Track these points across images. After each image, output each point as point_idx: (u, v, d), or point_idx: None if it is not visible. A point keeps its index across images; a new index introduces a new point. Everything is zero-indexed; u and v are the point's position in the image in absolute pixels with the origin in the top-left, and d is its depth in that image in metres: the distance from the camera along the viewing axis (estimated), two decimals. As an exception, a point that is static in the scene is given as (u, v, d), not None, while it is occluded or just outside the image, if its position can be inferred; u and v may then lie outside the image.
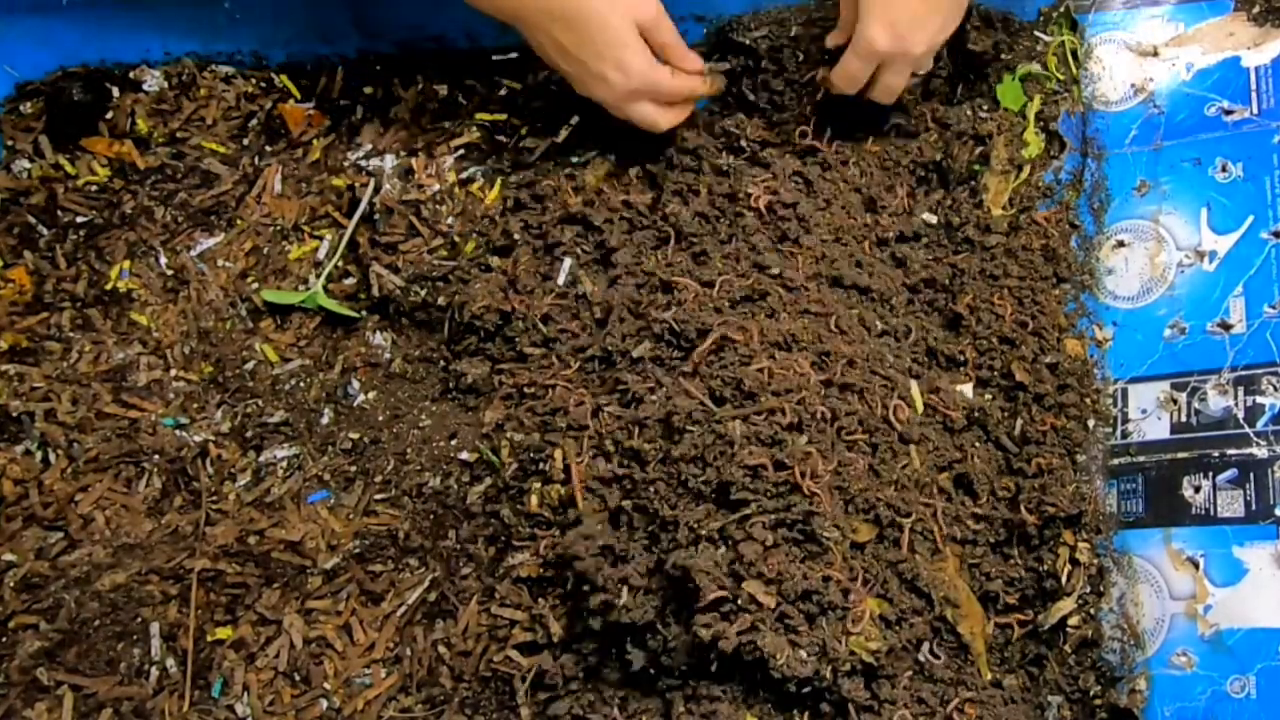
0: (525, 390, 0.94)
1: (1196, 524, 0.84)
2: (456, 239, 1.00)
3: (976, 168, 0.98)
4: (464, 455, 0.95)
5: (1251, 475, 0.83)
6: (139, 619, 0.89)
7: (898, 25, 0.85)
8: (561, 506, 0.87)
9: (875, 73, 0.90)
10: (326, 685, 0.87)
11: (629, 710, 0.81)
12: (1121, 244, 0.96)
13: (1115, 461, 0.88)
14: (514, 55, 1.08)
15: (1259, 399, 0.85)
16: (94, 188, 1.06)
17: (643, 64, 0.87)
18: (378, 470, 0.95)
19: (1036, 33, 1.03)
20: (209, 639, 0.89)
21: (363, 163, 1.05)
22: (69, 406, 0.97)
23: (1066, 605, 0.84)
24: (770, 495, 0.77)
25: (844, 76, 0.90)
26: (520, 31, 0.89)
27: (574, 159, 1.02)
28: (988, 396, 0.91)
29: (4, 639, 0.89)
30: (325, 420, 0.98)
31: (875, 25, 0.85)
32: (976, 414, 0.89)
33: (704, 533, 0.77)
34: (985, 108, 1.00)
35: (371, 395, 0.99)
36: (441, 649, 0.88)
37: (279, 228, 1.04)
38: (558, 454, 0.88)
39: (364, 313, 1.02)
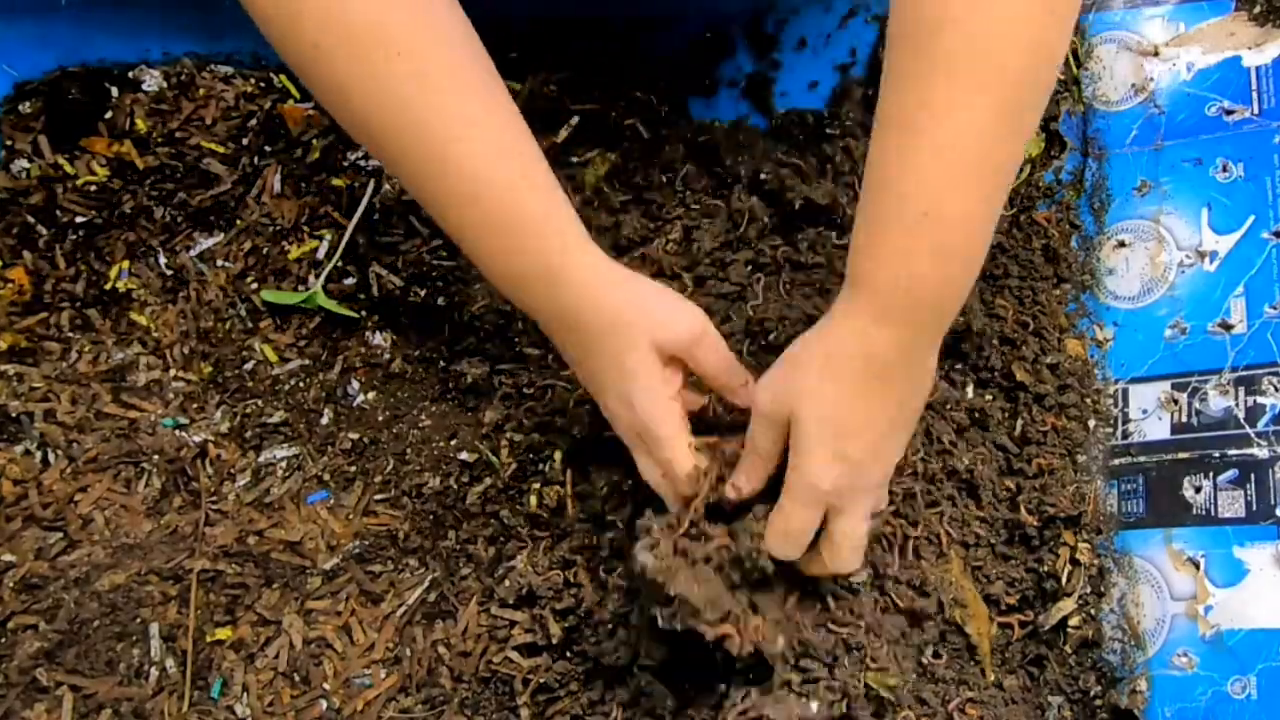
0: (525, 391, 0.94)
1: (1197, 524, 0.84)
2: (456, 239, 1.00)
3: (977, 168, 0.98)
4: (464, 455, 0.95)
5: (1252, 475, 0.83)
6: (138, 619, 0.89)
7: (849, 455, 0.64)
8: (560, 508, 0.87)
9: (823, 521, 0.68)
10: (326, 686, 0.87)
11: (629, 711, 0.81)
12: (1122, 244, 0.96)
13: (1116, 462, 0.88)
14: (513, 55, 1.08)
15: (1260, 399, 0.85)
16: (93, 188, 1.06)
17: (647, 405, 0.69)
18: (377, 470, 0.95)
19: (1037, 32, 1.03)
20: (208, 639, 0.89)
21: (362, 163, 1.05)
22: (68, 407, 0.97)
23: (1067, 606, 0.84)
24: None
25: (783, 535, 0.68)
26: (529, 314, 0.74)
27: (574, 159, 1.01)
28: (988, 397, 0.91)
29: (3, 639, 0.88)
30: (325, 420, 0.98)
31: (817, 459, 0.64)
32: (977, 414, 0.89)
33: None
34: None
35: (371, 395, 0.99)
36: (441, 649, 0.88)
37: (278, 228, 1.04)
38: (558, 455, 0.87)
39: (364, 313, 1.02)
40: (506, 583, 0.86)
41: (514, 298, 0.73)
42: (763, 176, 0.95)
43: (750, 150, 0.99)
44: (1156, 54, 1.00)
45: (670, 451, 0.69)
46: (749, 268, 0.92)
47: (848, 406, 0.63)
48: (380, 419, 0.98)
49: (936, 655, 0.80)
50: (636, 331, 0.68)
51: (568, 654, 0.84)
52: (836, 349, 0.64)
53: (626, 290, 0.69)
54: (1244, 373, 0.87)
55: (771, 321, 0.88)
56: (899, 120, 0.60)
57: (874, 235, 0.62)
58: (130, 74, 1.10)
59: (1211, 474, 0.85)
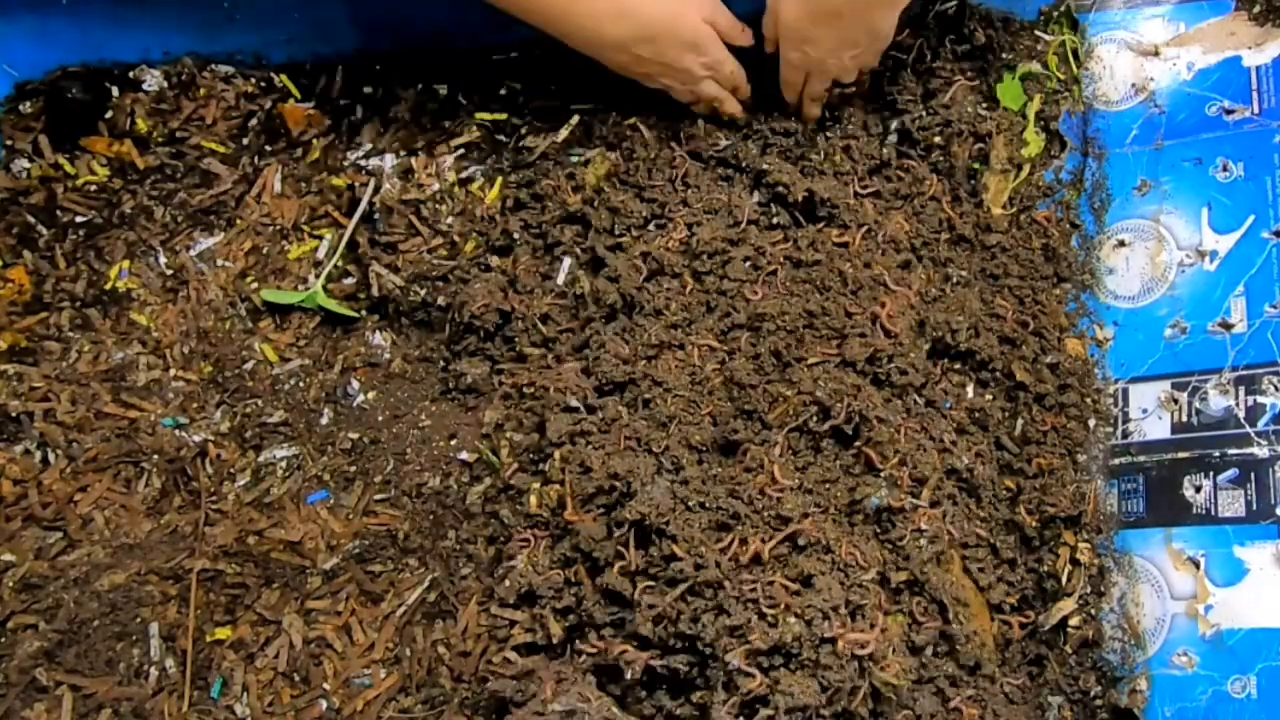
0: (525, 390, 0.94)
1: (1197, 524, 0.83)
2: (456, 239, 1.00)
3: (976, 167, 0.98)
4: (464, 455, 0.95)
5: (1252, 475, 0.83)
6: (138, 619, 0.89)
7: (806, 48, 0.93)
8: (560, 508, 0.86)
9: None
10: (326, 686, 0.87)
11: (630, 711, 0.80)
12: (1122, 243, 0.96)
13: (1116, 461, 0.88)
14: (514, 55, 1.08)
15: (1260, 399, 0.85)
16: (93, 187, 1.06)
17: (718, 49, 0.95)
18: (377, 470, 0.95)
19: (1037, 32, 1.03)
20: (208, 639, 0.89)
21: (362, 162, 1.05)
22: (68, 406, 0.97)
23: (1067, 605, 0.84)
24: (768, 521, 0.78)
25: (786, 86, 0.98)
26: (598, 58, 0.95)
27: (574, 158, 1.01)
28: (988, 397, 0.91)
29: (3, 639, 0.88)
30: (325, 420, 0.98)
31: (787, 48, 0.94)
32: (978, 414, 0.89)
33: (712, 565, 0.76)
34: (985, 106, 1.00)
35: (371, 395, 0.99)
36: (441, 649, 0.88)
37: (278, 227, 1.04)
38: (557, 455, 0.87)
39: (364, 313, 1.02)
40: (507, 582, 0.86)
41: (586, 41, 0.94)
42: (764, 168, 0.95)
43: (752, 148, 0.99)
44: (1157, 54, 1.00)
45: (738, 67, 0.97)
46: (747, 263, 0.92)
47: (816, 31, 0.91)
48: (380, 419, 0.98)
49: (937, 654, 0.80)
50: (692, 11, 0.93)
51: (568, 654, 0.84)
52: None
53: None
54: (1244, 372, 0.87)
55: (771, 318, 0.88)
56: None
57: None
58: (131, 73, 1.10)
59: (1211, 473, 0.84)
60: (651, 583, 0.79)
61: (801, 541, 0.77)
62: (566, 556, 0.85)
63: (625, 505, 0.80)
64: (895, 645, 0.76)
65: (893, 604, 0.78)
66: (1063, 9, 1.03)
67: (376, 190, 1.02)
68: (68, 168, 1.06)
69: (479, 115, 1.06)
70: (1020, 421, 0.89)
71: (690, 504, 0.80)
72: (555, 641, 0.84)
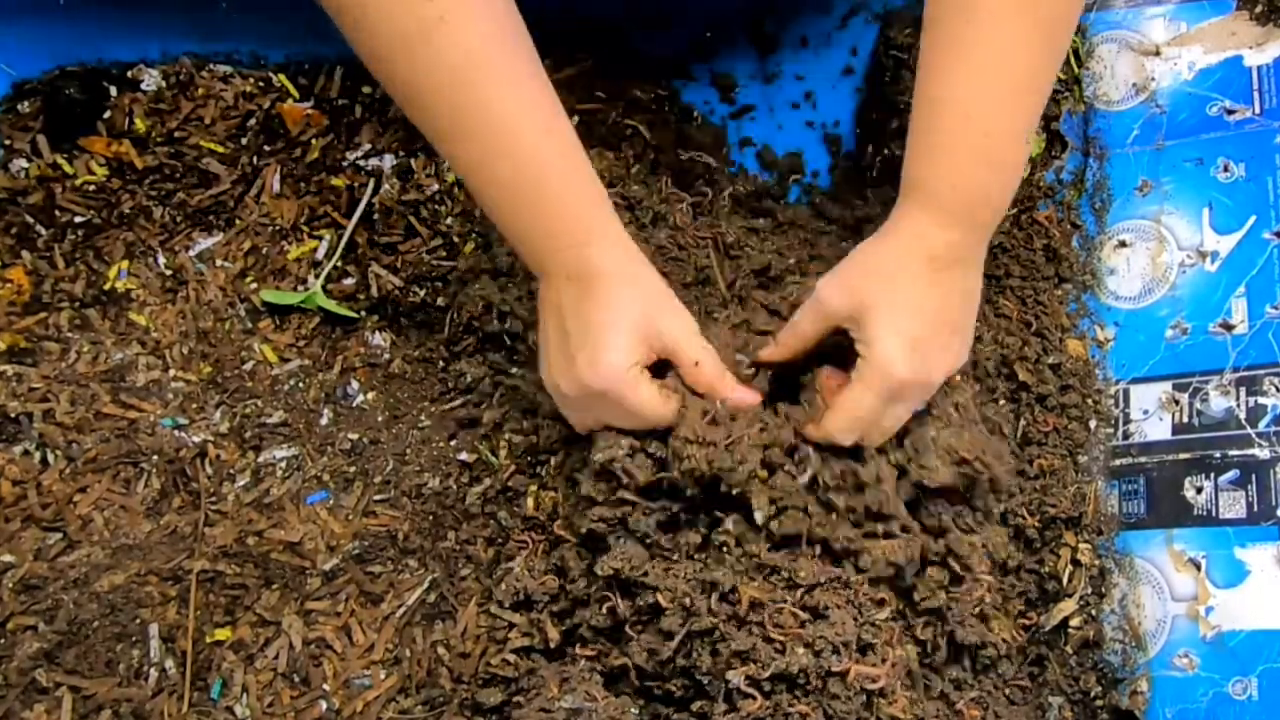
0: (524, 392, 0.94)
1: (1198, 525, 0.83)
2: (455, 239, 1.00)
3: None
4: (463, 456, 0.94)
5: (1253, 476, 0.83)
6: (138, 620, 0.89)
7: (920, 345, 0.67)
8: (558, 510, 0.86)
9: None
10: (326, 686, 0.87)
11: (629, 713, 0.80)
12: (1123, 244, 0.95)
13: (1117, 462, 0.88)
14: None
15: (1261, 400, 0.85)
16: (92, 187, 1.06)
17: (614, 375, 0.68)
18: (377, 471, 0.95)
19: (1038, 32, 1.02)
20: (208, 640, 0.89)
21: (362, 162, 1.05)
22: (67, 407, 0.97)
23: (1068, 606, 0.84)
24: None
25: (850, 420, 0.68)
26: (540, 282, 0.75)
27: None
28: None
29: (3, 640, 0.88)
30: (324, 421, 0.98)
31: (893, 345, 0.66)
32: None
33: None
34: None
35: (371, 396, 0.99)
36: (441, 650, 0.88)
37: (278, 228, 1.04)
38: (551, 461, 0.87)
39: (363, 313, 1.01)
40: (503, 585, 0.86)
41: (527, 259, 0.74)
42: (729, 240, 0.91)
43: (717, 199, 0.97)
44: (1158, 53, 1.00)
45: (639, 399, 0.70)
46: (737, 281, 0.91)
47: (920, 299, 0.67)
48: (380, 419, 0.98)
49: (936, 649, 0.80)
50: (637, 298, 0.70)
51: (567, 655, 0.84)
52: (904, 251, 0.69)
53: (640, 286, 0.72)
54: (1245, 373, 0.86)
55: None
56: (947, 34, 0.66)
57: (934, 150, 0.69)
58: (129, 73, 1.09)
59: (1213, 474, 0.84)
60: (641, 625, 0.77)
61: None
62: (566, 558, 0.85)
63: (598, 560, 0.78)
64: (903, 677, 0.74)
65: (911, 640, 0.77)
66: (1064, 8, 1.03)
67: (376, 191, 1.02)
68: (66, 168, 1.06)
69: (478, 115, 1.06)
70: (1021, 422, 0.89)
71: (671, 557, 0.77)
72: (553, 645, 0.84)
